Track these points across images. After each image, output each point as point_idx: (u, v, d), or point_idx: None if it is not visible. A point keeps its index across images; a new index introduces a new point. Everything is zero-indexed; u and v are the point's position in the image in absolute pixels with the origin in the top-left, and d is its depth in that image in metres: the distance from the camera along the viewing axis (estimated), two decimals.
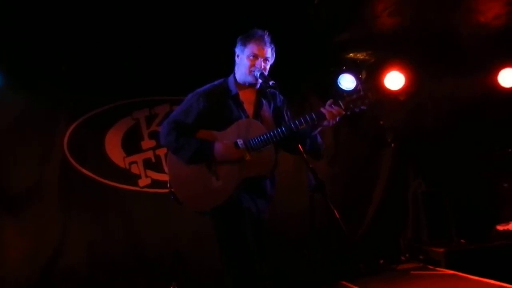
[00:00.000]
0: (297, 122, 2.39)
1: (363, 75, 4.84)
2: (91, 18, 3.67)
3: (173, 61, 4.33)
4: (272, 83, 2.39)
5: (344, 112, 2.36)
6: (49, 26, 3.71)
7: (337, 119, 2.39)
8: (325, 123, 2.41)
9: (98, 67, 4.28)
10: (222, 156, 2.41)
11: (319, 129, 2.51)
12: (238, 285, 2.33)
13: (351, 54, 4.81)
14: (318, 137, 2.60)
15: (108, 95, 4.43)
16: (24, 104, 4.18)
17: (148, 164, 4.48)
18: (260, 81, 2.51)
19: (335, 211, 1.89)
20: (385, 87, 4.88)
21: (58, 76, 4.22)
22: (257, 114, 2.56)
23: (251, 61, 2.49)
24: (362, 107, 2.33)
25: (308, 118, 2.38)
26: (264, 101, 2.59)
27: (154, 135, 4.50)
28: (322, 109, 2.38)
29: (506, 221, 4.90)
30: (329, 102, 2.38)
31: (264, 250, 2.51)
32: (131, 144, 4.48)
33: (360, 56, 4.84)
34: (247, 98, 2.57)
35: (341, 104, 2.35)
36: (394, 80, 4.86)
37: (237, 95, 2.55)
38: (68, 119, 4.35)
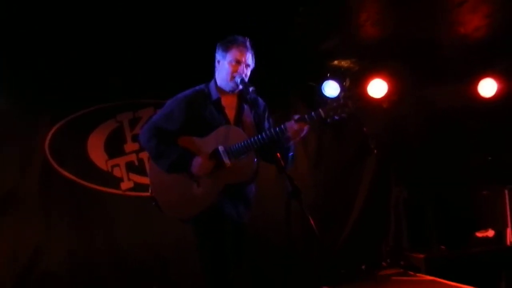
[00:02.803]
0: (264, 134, 2.37)
1: (347, 83, 4.89)
2: (75, 20, 3.63)
3: (158, 65, 4.32)
4: (252, 89, 2.40)
5: (306, 126, 2.36)
6: (32, 28, 3.66)
7: (302, 134, 2.39)
8: (290, 138, 2.40)
9: (82, 69, 4.24)
10: (199, 171, 2.41)
11: (290, 142, 2.48)
12: None
13: (335, 62, 4.87)
14: (291, 149, 2.55)
15: (92, 98, 4.39)
16: (4, 106, 4.10)
17: (131, 167, 4.45)
18: (240, 86, 2.51)
19: (310, 218, 1.91)
20: (369, 95, 4.95)
21: (40, 78, 4.17)
22: (239, 119, 2.56)
23: (233, 67, 2.50)
24: (343, 115, 2.36)
25: (273, 132, 2.37)
26: (245, 106, 2.60)
27: (137, 138, 4.48)
28: (287, 124, 2.37)
29: (485, 228, 4.99)
30: (295, 116, 2.38)
31: (243, 257, 2.51)
32: (114, 147, 4.44)
33: (344, 64, 4.90)
34: (229, 104, 2.57)
35: (320, 111, 2.34)
36: (378, 88, 4.92)
37: (218, 100, 2.55)
38: (50, 120, 4.29)
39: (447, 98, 4.97)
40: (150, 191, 2.54)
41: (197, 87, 2.61)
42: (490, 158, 5.23)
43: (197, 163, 2.42)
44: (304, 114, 2.38)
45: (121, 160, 4.46)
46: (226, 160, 2.41)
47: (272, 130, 2.38)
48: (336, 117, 2.36)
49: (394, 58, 4.65)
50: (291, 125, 2.36)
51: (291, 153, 2.52)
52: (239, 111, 2.58)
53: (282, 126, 2.38)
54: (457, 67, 4.72)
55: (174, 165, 2.44)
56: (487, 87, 5.00)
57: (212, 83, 2.61)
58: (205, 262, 2.40)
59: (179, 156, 2.44)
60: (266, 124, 2.64)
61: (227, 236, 2.42)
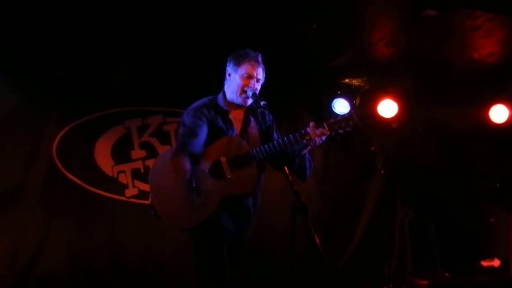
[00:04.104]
0: (281, 141, 2.41)
1: (357, 101, 4.88)
2: (89, 25, 3.67)
3: (168, 73, 4.34)
4: (263, 104, 2.41)
5: (328, 132, 2.39)
6: (48, 31, 3.71)
7: (323, 138, 2.41)
8: (311, 143, 2.43)
9: (94, 74, 4.28)
10: None
11: (307, 148, 2.52)
12: None
13: (346, 80, 4.87)
14: (307, 157, 2.61)
15: (102, 102, 4.41)
16: (15, 104, 4.13)
17: (137, 174, 4.44)
18: (250, 100, 2.52)
19: (316, 236, 1.88)
20: (379, 114, 4.93)
21: (52, 81, 4.20)
22: (244, 131, 2.57)
23: (244, 81, 2.50)
24: (347, 129, 2.36)
25: (292, 138, 2.40)
26: (252, 119, 2.60)
27: (144, 145, 4.49)
28: (307, 129, 2.41)
29: (491, 257, 4.90)
30: (311, 124, 2.42)
31: (240, 270, 2.48)
32: (120, 153, 4.44)
33: (355, 82, 4.90)
34: (236, 116, 2.58)
35: (325, 125, 2.38)
36: (388, 108, 4.90)
37: (226, 112, 2.56)
38: (59, 122, 4.31)
39: (457, 121, 4.93)
40: (150, 199, 2.51)
41: (205, 99, 2.61)
42: (499, 185, 5.16)
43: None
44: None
45: (127, 167, 4.45)
46: (228, 171, 2.39)
47: (291, 136, 2.40)
48: (340, 131, 2.36)
49: (406, 78, 4.64)
50: (312, 129, 2.39)
51: (310, 163, 2.56)
52: (245, 123, 2.59)
53: (303, 130, 2.41)
54: (469, 90, 4.70)
55: None
56: (499, 113, 4.95)
57: (220, 96, 2.62)
58: (200, 272, 2.38)
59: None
60: (275, 135, 2.65)
61: (224, 247, 2.39)
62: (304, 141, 2.44)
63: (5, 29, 3.64)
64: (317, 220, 4.70)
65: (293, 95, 4.84)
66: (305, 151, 2.55)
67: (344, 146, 5.02)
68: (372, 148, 5.25)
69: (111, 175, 4.40)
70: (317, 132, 2.38)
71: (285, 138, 2.41)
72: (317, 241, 1.88)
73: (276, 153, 2.40)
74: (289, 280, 2.25)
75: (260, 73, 2.54)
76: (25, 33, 3.73)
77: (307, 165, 2.59)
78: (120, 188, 4.39)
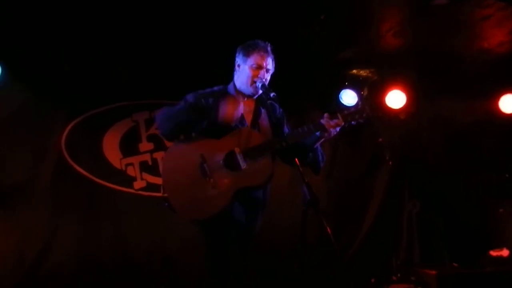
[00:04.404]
0: (295, 132, 2.40)
1: (365, 92, 4.85)
2: (96, 19, 3.68)
3: (175, 65, 4.33)
4: (273, 95, 2.39)
5: (343, 123, 2.38)
6: (54, 26, 3.71)
7: (337, 129, 2.40)
8: (326, 134, 2.42)
9: (101, 68, 4.28)
10: (228, 112, 2.37)
11: (320, 141, 2.50)
12: None
13: (354, 71, 4.83)
14: (320, 150, 2.60)
15: (109, 96, 4.42)
16: (23, 100, 4.16)
17: (145, 167, 4.46)
18: (260, 91, 2.50)
19: (328, 228, 1.87)
20: (386, 105, 4.89)
21: (60, 75, 4.21)
22: (255, 123, 2.55)
23: (254, 72, 2.48)
24: (360, 120, 2.35)
25: (306, 129, 2.39)
26: (263, 110, 2.58)
27: (152, 138, 4.49)
28: (322, 120, 2.40)
29: (499, 247, 4.87)
30: (326, 115, 2.40)
31: (249, 263, 2.48)
32: (128, 146, 4.46)
33: (363, 73, 4.86)
34: (246, 107, 2.56)
35: (339, 116, 2.36)
36: (396, 99, 4.87)
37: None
38: (67, 117, 4.33)
39: (467, 112, 4.88)
40: (162, 191, 2.51)
41: (215, 88, 2.60)
42: (508, 175, 5.12)
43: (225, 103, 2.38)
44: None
45: (135, 159, 4.47)
46: (242, 162, 2.38)
47: (306, 127, 2.39)
48: (353, 122, 2.35)
49: (414, 70, 4.60)
50: (327, 120, 2.38)
51: (323, 156, 2.55)
52: (256, 115, 2.57)
53: (318, 122, 2.40)
54: (478, 81, 4.65)
55: (194, 121, 2.40)
56: (509, 103, 4.90)
57: (230, 86, 2.60)
58: (208, 264, 2.39)
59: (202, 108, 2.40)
60: (286, 129, 2.63)
61: (235, 240, 2.39)
62: (318, 133, 2.43)
63: (12, 25, 3.65)
64: (324, 214, 4.70)
65: (300, 90, 4.82)
66: (318, 144, 2.53)
67: (352, 139, 5.00)
68: (380, 140, 5.23)
69: (119, 167, 4.42)
70: (332, 123, 2.37)
71: (299, 129, 2.40)
72: (330, 233, 1.87)
73: (289, 145, 2.38)
74: (297, 275, 2.25)
75: (269, 63, 2.51)
76: (32, 29, 3.74)
77: (320, 158, 2.58)
78: (129, 180, 4.42)
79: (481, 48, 4.17)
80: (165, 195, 2.47)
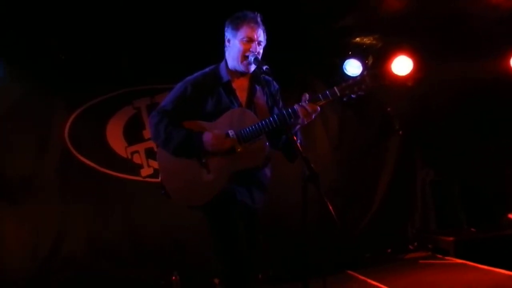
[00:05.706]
0: (271, 118, 2.24)
1: (369, 60, 4.70)
2: (91, 6, 3.60)
3: (174, 49, 4.25)
4: (266, 68, 2.26)
5: (318, 110, 2.22)
6: (49, 14, 3.65)
7: (313, 117, 2.24)
8: (299, 121, 2.25)
9: (98, 55, 4.22)
10: (212, 146, 2.29)
11: (297, 127, 2.33)
12: (228, 278, 2.28)
13: (357, 39, 4.66)
14: (297, 136, 2.38)
15: (108, 84, 4.37)
16: (22, 92, 4.13)
17: (150, 154, 4.42)
18: (253, 66, 2.38)
19: (328, 203, 1.81)
20: (393, 73, 4.74)
21: (57, 64, 4.16)
22: (250, 101, 2.44)
23: (245, 45, 2.35)
24: (360, 93, 2.21)
25: (280, 115, 2.23)
26: (257, 88, 2.47)
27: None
28: (296, 106, 2.23)
29: None
30: (304, 97, 2.23)
31: (258, 242, 2.44)
32: (132, 134, 4.43)
33: (366, 40, 4.68)
34: (240, 85, 2.45)
35: (335, 89, 2.21)
36: (402, 65, 4.72)
37: (229, 82, 2.43)
38: (68, 108, 4.31)
39: (477, 74, 4.70)
40: (160, 178, 2.46)
41: (206, 69, 2.49)
42: None
43: (210, 136, 2.29)
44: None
45: (141, 147, 4.45)
46: (237, 145, 2.30)
47: (280, 113, 2.25)
48: (353, 96, 2.21)
49: (420, 33, 4.42)
50: (302, 107, 2.21)
51: (298, 141, 2.31)
52: (251, 93, 2.46)
53: (290, 109, 2.24)
54: (487, 40, 4.45)
55: (184, 143, 2.31)
56: None
57: (222, 65, 2.48)
58: (217, 248, 2.34)
59: (189, 134, 2.31)
60: (275, 110, 2.43)
61: (239, 222, 2.34)
62: (291, 120, 2.25)
63: (6, 18, 3.59)
64: (334, 187, 4.65)
65: (301, 63, 4.68)
66: (295, 130, 2.35)
67: (359, 110, 4.88)
68: (389, 109, 5.10)
69: (125, 156, 4.41)
70: (308, 109, 2.19)
71: (271, 119, 2.25)
72: (330, 208, 1.81)
73: (281, 126, 2.25)
74: (303, 249, 2.20)
75: (260, 35, 2.37)
76: (25, 19, 3.68)
77: (294, 145, 2.17)
78: (135, 168, 4.40)
79: (488, 3, 3.97)
80: (162, 181, 2.43)
